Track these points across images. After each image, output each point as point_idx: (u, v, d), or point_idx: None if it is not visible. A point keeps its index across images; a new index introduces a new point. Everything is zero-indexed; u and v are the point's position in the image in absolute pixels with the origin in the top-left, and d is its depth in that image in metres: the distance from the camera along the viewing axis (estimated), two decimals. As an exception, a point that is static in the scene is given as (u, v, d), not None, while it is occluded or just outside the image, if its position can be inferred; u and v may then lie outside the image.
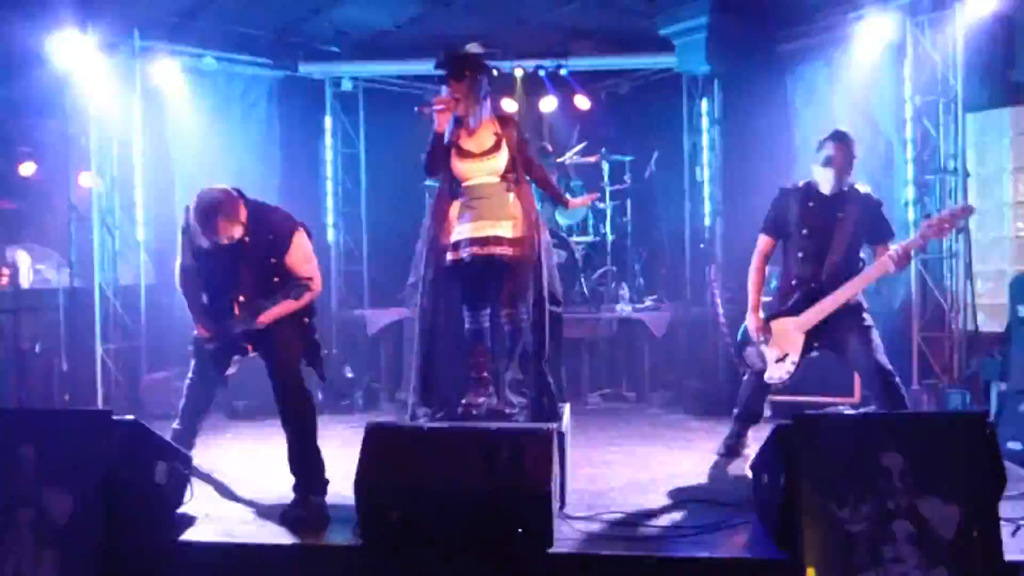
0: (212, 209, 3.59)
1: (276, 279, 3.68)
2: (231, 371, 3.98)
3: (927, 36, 5.75)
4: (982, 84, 5.74)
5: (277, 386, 3.72)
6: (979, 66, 5.69)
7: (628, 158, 7.50)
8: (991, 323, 5.60)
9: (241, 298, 3.67)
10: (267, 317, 3.67)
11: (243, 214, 3.64)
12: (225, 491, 4.08)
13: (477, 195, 3.99)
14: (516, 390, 4.04)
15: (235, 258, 3.67)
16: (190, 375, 4.00)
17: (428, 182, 7.25)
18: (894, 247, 3.97)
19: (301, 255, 3.73)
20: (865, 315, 4.08)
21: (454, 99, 3.88)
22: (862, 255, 4.13)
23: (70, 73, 6.01)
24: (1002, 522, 2.84)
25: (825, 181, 4.04)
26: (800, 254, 4.11)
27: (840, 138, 4.04)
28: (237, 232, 3.63)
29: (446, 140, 3.92)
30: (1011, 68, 5.73)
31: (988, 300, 5.77)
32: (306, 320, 3.82)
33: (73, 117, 6.21)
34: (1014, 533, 3.08)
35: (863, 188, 4.11)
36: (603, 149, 7.52)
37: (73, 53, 5.93)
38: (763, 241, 4.24)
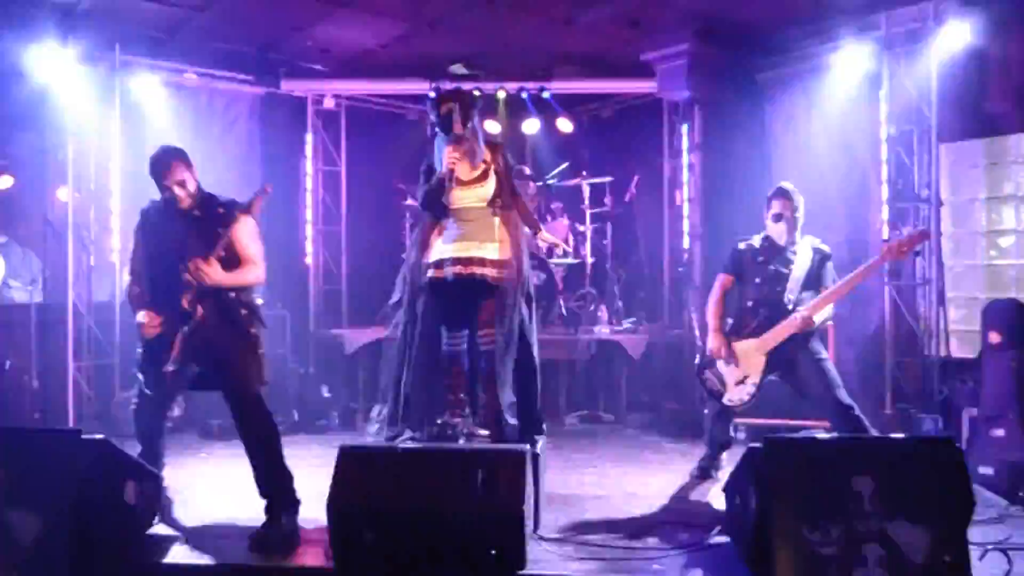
0: (173, 151, 3.71)
1: (223, 254, 3.64)
2: (177, 410, 3.89)
3: (902, 68, 5.86)
4: (956, 115, 5.85)
5: (237, 410, 3.66)
6: (953, 98, 5.80)
7: (608, 179, 7.56)
8: (964, 349, 5.67)
9: (188, 275, 3.59)
10: (214, 273, 3.58)
11: (196, 174, 3.72)
12: (197, 512, 4.02)
13: (463, 218, 4.00)
14: (511, 412, 4.03)
15: (184, 234, 3.64)
16: (135, 400, 3.87)
17: (408, 201, 7.29)
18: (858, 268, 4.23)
19: (248, 231, 3.72)
20: (819, 346, 4.28)
21: (463, 152, 3.93)
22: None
23: (49, 86, 5.98)
24: (971, 547, 2.86)
25: (779, 235, 4.36)
26: (758, 280, 4.36)
27: (785, 194, 4.37)
28: (190, 184, 3.67)
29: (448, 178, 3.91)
30: (984, 100, 5.84)
31: (961, 327, 5.84)
32: (253, 331, 3.75)
33: (51, 130, 6.17)
34: (982, 557, 3.10)
35: (814, 241, 4.39)
36: (584, 172, 7.58)
37: (52, 66, 5.92)
38: (723, 278, 4.52)
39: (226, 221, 3.65)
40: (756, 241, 4.45)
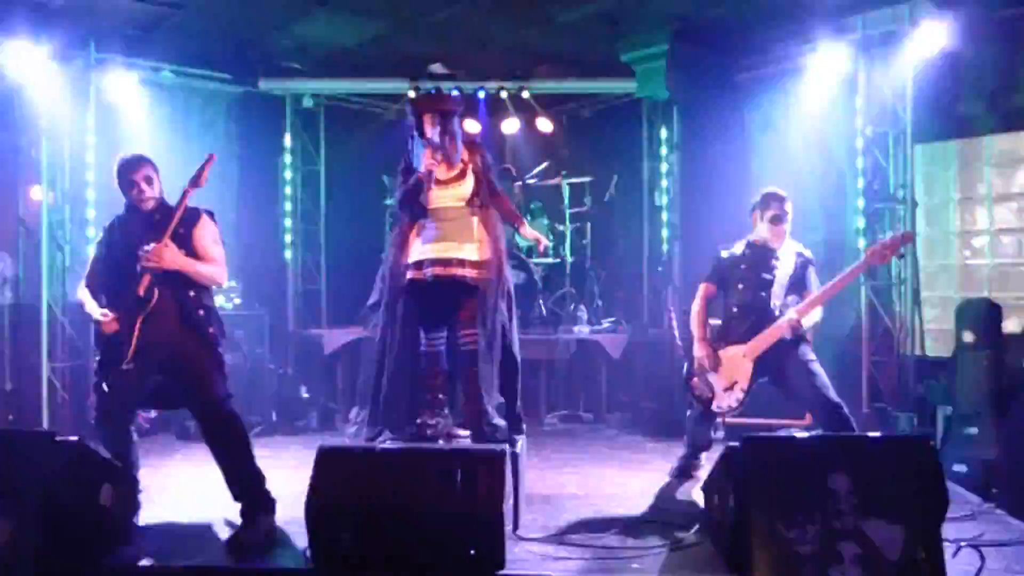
0: (143, 157, 3.74)
1: (183, 252, 3.61)
2: (153, 412, 3.81)
3: (878, 70, 5.93)
4: (930, 117, 5.92)
5: (202, 420, 3.62)
6: (928, 100, 5.87)
7: (588, 179, 7.57)
8: (938, 348, 5.74)
9: (144, 260, 3.54)
10: (171, 254, 3.52)
11: (160, 182, 3.73)
12: (173, 514, 3.98)
13: (441, 218, 3.99)
14: (499, 413, 4.02)
15: (143, 237, 3.58)
16: (95, 413, 3.73)
17: (388, 201, 7.26)
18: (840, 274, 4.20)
19: (209, 233, 3.72)
20: (807, 349, 4.25)
21: (443, 154, 3.93)
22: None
23: (22, 84, 5.90)
24: (945, 543, 2.89)
25: (774, 237, 4.33)
26: (741, 286, 4.35)
27: (783, 198, 4.34)
28: (156, 183, 3.70)
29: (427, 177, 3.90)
30: (958, 102, 5.92)
31: (935, 326, 5.91)
32: (212, 331, 3.68)
33: (24, 129, 6.08)
34: (955, 554, 3.14)
35: (797, 246, 4.39)
36: (564, 172, 7.59)
37: (26, 63, 5.82)
38: (705, 288, 4.50)
39: (186, 223, 3.63)
40: (738, 248, 4.44)
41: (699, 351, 4.38)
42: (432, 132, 3.92)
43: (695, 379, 4.39)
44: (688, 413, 4.60)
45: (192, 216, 3.68)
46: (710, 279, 4.50)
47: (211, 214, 3.79)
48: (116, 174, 3.72)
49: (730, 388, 4.29)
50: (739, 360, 4.27)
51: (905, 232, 4.35)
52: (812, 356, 4.24)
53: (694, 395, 4.41)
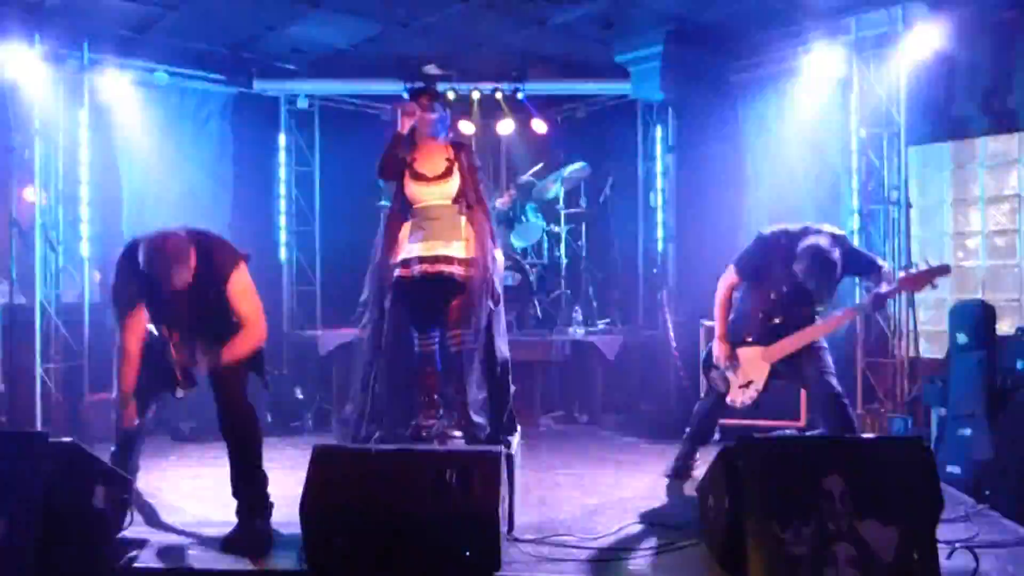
0: (165, 262, 3.42)
1: (216, 312, 3.57)
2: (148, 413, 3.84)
3: (872, 71, 5.95)
4: (924, 119, 5.94)
5: (223, 408, 3.63)
6: (921, 102, 5.89)
7: (583, 180, 7.57)
8: (932, 350, 5.75)
9: (175, 338, 3.55)
10: (228, 358, 3.53)
11: (193, 257, 3.47)
12: (167, 515, 3.97)
13: (428, 216, 4.02)
14: (478, 411, 4.03)
15: (174, 301, 3.52)
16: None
17: (382, 202, 7.25)
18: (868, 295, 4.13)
19: (240, 287, 3.57)
20: (823, 342, 4.17)
21: (419, 108, 4.00)
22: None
23: (15, 84, 5.88)
24: (939, 545, 2.90)
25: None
26: (773, 295, 4.10)
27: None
28: (190, 275, 3.48)
29: (404, 152, 3.97)
30: (952, 104, 5.94)
31: (929, 327, 5.93)
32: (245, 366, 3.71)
33: (17, 130, 6.05)
34: (950, 555, 3.14)
35: (835, 229, 4.05)
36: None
37: (19, 64, 5.81)
38: (732, 277, 4.20)
39: (218, 279, 3.53)
40: (784, 240, 3.98)
41: (718, 349, 4.23)
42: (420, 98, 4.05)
43: (713, 372, 4.30)
44: (701, 397, 4.51)
45: (226, 268, 3.55)
46: (740, 269, 4.15)
47: (247, 258, 3.65)
48: (141, 262, 3.43)
49: (745, 386, 4.21)
50: (756, 361, 4.17)
51: (942, 264, 4.08)
52: (825, 344, 4.15)
53: (710, 385, 4.35)
